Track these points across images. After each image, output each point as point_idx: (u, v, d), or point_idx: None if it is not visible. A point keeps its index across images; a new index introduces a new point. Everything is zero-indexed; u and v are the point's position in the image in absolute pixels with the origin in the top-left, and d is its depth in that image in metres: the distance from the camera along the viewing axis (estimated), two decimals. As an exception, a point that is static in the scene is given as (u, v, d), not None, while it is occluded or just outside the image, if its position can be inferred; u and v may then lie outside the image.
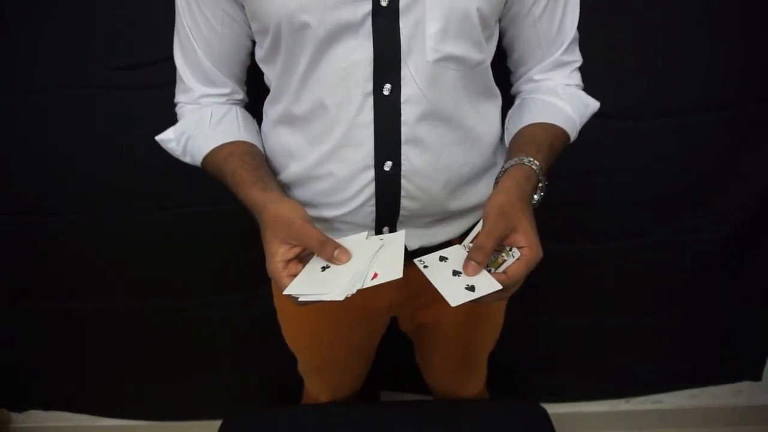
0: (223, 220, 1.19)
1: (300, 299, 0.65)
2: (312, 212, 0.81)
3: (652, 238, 1.26)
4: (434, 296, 0.88)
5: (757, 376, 1.50)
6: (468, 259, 0.66)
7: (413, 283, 0.73)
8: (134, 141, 1.09)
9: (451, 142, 0.77)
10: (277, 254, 0.67)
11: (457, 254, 0.71)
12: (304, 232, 0.67)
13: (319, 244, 0.66)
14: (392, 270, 0.64)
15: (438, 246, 0.83)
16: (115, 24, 1.00)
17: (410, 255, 0.77)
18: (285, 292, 0.66)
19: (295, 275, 0.67)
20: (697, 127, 1.13)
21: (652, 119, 1.12)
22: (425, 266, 0.70)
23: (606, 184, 1.18)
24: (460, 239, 0.86)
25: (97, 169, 1.14)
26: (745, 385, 1.53)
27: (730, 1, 1.02)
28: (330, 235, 0.73)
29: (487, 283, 0.66)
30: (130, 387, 1.48)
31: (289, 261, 0.68)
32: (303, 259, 0.69)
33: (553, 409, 1.11)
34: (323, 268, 0.67)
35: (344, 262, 0.66)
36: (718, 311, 1.38)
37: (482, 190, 0.84)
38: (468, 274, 0.66)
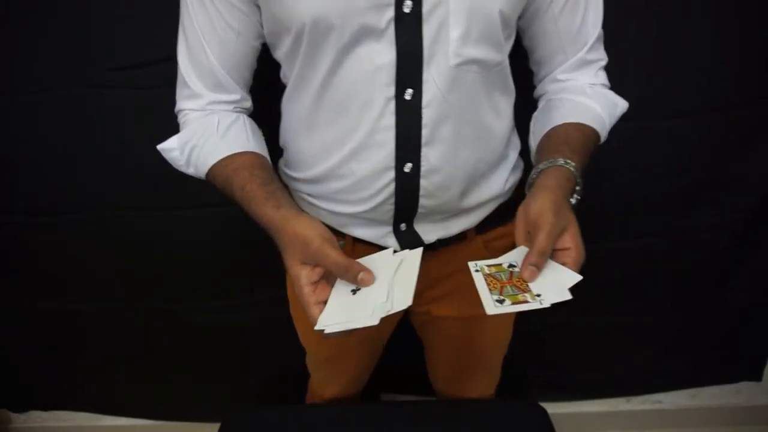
0: (223, 223, 1.19)
1: (327, 331, 0.60)
2: (331, 207, 0.82)
3: (652, 238, 1.26)
4: (446, 289, 0.85)
5: (757, 377, 1.50)
6: (527, 263, 0.64)
7: (428, 275, 0.71)
8: (134, 142, 1.09)
9: (468, 139, 0.77)
10: (301, 277, 0.64)
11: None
12: (323, 254, 0.63)
13: (341, 269, 0.64)
14: (404, 298, 0.62)
15: (453, 237, 0.85)
16: (114, 24, 1.00)
17: (427, 248, 0.77)
18: (316, 328, 0.61)
19: (323, 301, 0.64)
20: (697, 127, 1.13)
21: (652, 119, 1.12)
22: (477, 271, 0.68)
23: (606, 184, 1.18)
24: (475, 230, 0.87)
25: (97, 170, 1.14)
26: (745, 385, 1.53)
27: (729, 1, 1.02)
28: (349, 228, 0.74)
29: (556, 292, 0.62)
30: (130, 387, 1.48)
31: (315, 283, 0.65)
32: (329, 277, 0.66)
33: (553, 409, 1.11)
34: (354, 291, 0.63)
35: (370, 284, 0.63)
36: (718, 311, 1.38)
37: (494, 183, 0.84)
38: (526, 279, 0.64)
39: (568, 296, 0.61)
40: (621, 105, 0.86)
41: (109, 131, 1.10)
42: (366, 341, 1.05)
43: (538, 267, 0.64)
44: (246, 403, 1.46)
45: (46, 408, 1.56)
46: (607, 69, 0.89)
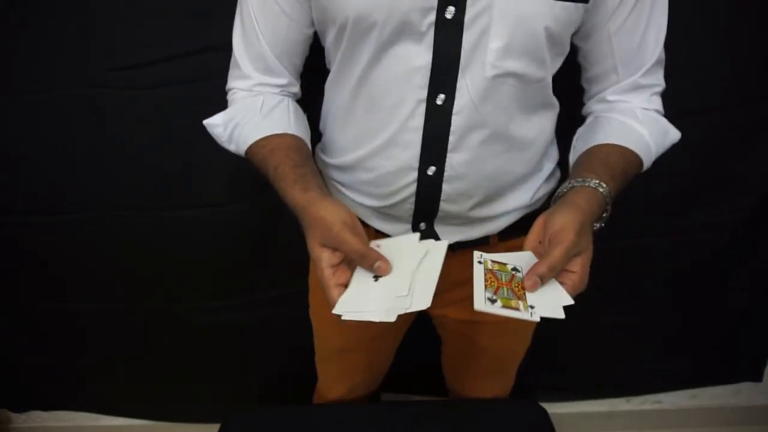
0: (223, 223, 1.19)
1: (343, 317, 0.61)
2: (356, 197, 0.83)
3: (652, 238, 1.26)
4: (466, 293, 0.86)
5: (757, 377, 1.50)
6: (534, 273, 0.63)
7: (447, 277, 0.69)
8: (134, 142, 1.09)
9: (498, 152, 0.76)
10: (322, 259, 0.65)
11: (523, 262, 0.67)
12: (342, 240, 0.64)
13: (359, 256, 0.64)
14: (423, 299, 0.61)
15: (475, 242, 0.84)
16: (114, 24, 1.00)
17: (448, 248, 0.75)
18: (334, 311, 0.62)
19: (343, 284, 0.65)
20: (697, 127, 1.12)
21: (652, 119, 1.11)
22: (479, 262, 0.67)
23: (606, 184, 1.18)
24: (498, 236, 0.86)
25: (97, 170, 1.14)
26: (745, 385, 1.53)
27: (729, 1, 1.02)
28: (371, 221, 0.73)
29: (550, 308, 0.61)
30: (130, 387, 1.48)
31: (336, 266, 0.65)
32: (351, 262, 0.67)
33: (553, 409, 1.11)
34: (376, 277, 0.64)
35: (387, 273, 0.64)
36: (718, 311, 1.38)
37: (522, 194, 0.83)
38: (526, 288, 0.63)
39: (561, 315, 0.61)
40: (672, 134, 0.82)
41: (108, 131, 1.09)
42: (381, 335, 1.05)
43: (543, 280, 0.64)
44: (246, 403, 1.46)
45: (46, 408, 1.55)
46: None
